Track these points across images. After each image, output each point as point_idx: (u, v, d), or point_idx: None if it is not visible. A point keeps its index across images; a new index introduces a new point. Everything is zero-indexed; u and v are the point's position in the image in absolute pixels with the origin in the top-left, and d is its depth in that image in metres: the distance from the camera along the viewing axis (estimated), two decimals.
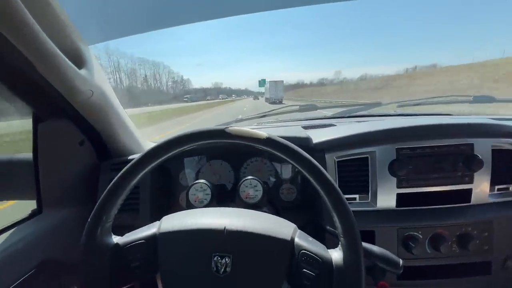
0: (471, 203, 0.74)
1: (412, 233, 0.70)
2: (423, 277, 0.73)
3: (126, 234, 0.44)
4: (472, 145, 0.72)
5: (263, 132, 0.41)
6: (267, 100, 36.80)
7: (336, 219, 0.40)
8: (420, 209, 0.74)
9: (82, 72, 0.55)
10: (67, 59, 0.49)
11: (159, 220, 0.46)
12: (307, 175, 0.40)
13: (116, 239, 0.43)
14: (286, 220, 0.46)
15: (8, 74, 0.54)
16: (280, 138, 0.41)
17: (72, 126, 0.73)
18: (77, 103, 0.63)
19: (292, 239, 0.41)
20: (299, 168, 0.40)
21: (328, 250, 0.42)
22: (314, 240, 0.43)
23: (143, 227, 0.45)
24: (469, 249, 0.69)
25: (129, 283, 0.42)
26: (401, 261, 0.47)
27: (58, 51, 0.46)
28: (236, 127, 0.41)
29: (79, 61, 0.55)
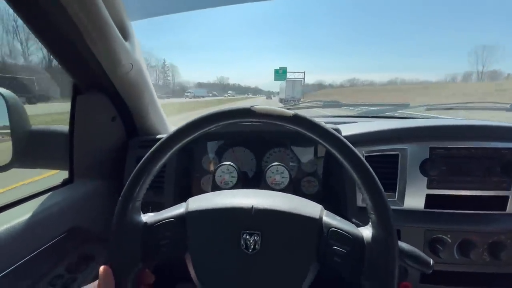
0: (506, 212, 0.70)
1: (440, 236, 0.68)
2: (448, 283, 0.70)
3: (154, 213, 0.45)
4: None
5: (289, 111, 0.40)
6: (281, 101, 32.45)
7: (366, 195, 0.39)
8: (450, 212, 0.71)
9: (126, 44, 0.57)
10: (116, 29, 0.51)
11: (182, 200, 0.46)
12: (334, 152, 0.39)
13: (145, 217, 0.43)
14: (312, 201, 0.46)
15: (58, 45, 0.57)
16: (307, 116, 0.40)
17: (108, 101, 0.75)
18: (116, 76, 0.65)
19: (321, 218, 0.41)
20: (326, 145, 0.39)
21: (358, 228, 0.41)
22: (343, 219, 0.43)
23: (171, 207, 0.45)
24: (501, 259, 0.65)
25: (158, 260, 0.43)
26: (431, 261, 0.45)
27: (111, 19, 0.48)
28: (262, 106, 0.41)
29: (125, 33, 0.56)
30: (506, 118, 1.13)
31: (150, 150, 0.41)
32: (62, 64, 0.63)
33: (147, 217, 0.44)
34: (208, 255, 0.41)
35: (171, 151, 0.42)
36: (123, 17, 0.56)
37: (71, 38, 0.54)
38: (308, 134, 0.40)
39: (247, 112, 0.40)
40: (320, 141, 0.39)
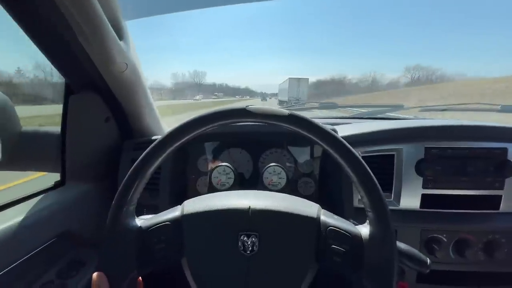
0: (499, 211, 0.71)
1: (436, 235, 0.68)
2: (444, 282, 0.71)
3: (149, 217, 0.44)
4: (506, 149, 0.70)
5: (285, 110, 0.40)
6: (281, 103, 26.83)
7: (363, 193, 0.38)
8: (445, 212, 0.72)
9: (121, 43, 0.56)
10: (111, 27, 0.50)
11: (178, 202, 0.45)
12: (331, 152, 0.39)
13: (140, 221, 0.42)
14: (310, 201, 0.45)
15: (50, 43, 0.55)
16: (303, 115, 0.40)
17: (101, 102, 0.74)
18: (110, 76, 0.63)
19: (318, 217, 0.41)
20: (322, 144, 0.39)
21: (356, 226, 0.41)
22: (341, 218, 0.42)
23: (166, 211, 0.44)
24: (496, 258, 0.66)
25: (154, 266, 0.41)
26: (428, 260, 0.45)
27: (105, 17, 0.47)
28: (257, 106, 0.40)
29: (119, 32, 0.55)
30: (497, 119, 1.16)
31: (144, 152, 0.40)
32: (54, 63, 0.61)
33: (142, 221, 0.42)
34: (205, 258, 0.40)
35: (166, 153, 0.41)
36: (118, 16, 0.55)
37: (64, 36, 0.53)
38: (305, 133, 0.39)
39: (243, 112, 0.40)
40: (317, 140, 0.39)
